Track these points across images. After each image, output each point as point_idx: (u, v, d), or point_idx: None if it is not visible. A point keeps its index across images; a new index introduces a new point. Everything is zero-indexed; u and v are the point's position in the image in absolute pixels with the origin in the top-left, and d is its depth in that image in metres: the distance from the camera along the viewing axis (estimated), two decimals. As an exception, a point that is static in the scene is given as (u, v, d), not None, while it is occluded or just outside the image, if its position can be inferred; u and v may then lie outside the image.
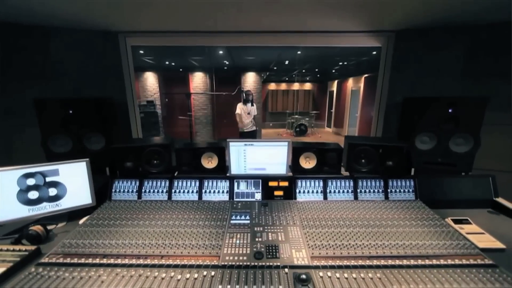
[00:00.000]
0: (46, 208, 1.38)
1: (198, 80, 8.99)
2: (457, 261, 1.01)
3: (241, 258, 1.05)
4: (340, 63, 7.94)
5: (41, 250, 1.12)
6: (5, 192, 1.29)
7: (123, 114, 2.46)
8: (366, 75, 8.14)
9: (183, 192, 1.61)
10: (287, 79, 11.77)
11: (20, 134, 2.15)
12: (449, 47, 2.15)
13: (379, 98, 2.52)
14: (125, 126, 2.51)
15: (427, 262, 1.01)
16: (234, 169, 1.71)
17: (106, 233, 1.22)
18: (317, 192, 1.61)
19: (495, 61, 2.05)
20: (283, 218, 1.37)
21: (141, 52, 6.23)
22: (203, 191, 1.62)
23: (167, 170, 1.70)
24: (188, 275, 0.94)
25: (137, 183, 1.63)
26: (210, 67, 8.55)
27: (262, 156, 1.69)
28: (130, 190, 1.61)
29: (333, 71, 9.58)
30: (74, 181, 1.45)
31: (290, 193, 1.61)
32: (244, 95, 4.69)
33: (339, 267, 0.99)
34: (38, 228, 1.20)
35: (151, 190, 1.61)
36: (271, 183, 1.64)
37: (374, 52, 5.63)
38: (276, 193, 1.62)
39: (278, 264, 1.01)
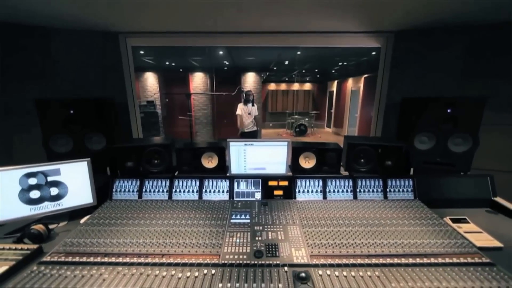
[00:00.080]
0: (47, 207, 1.39)
1: (198, 80, 9.00)
2: (455, 260, 1.02)
3: (241, 256, 1.06)
4: (340, 64, 7.95)
5: (43, 249, 1.13)
6: (7, 192, 1.30)
7: (123, 114, 2.47)
8: (365, 75, 8.14)
9: (184, 191, 1.62)
10: (287, 79, 11.78)
11: (20, 134, 2.16)
12: (448, 47, 2.16)
13: (379, 98, 2.53)
14: (126, 126, 2.52)
15: (425, 260, 1.02)
16: (234, 169, 1.72)
17: (107, 232, 1.23)
18: (316, 191, 1.62)
19: (495, 61, 2.06)
20: (283, 217, 1.38)
21: (141, 52, 6.24)
22: (203, 190, 1.63)
23: (168, 170, 1.71)
24: (188, 274, 0.95)
25: (138, 182, 1.64)
26: (210, 67, 8.57)
27: (262, 156, 1.70)
28: (131, 190, 1.62)
29: (333, 71, 9.59)
30: (75, 180, 1.46)
31: (289, 193, 1.62)
32: (244, 95, 4.69)
33: (338, 265, 1.00)
34: (39, 227, 1.21)
35: (152, 190, 1.62)
36: (271, 183, 1.65)
37: (374, 53, 5.64)
38: (276, 192, 1.63)
39: (278, 262, 1.02)
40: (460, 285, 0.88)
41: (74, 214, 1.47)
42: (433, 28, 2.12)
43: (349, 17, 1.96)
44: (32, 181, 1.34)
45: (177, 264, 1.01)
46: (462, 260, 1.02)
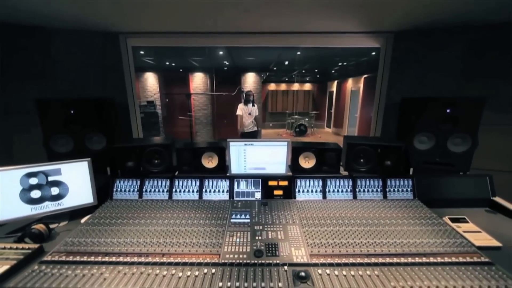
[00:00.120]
0: (48, 207, 1.40)
1: (198, 81, 9.01)
2: (453, 259, 1.02)
3: (241, 256, 1.06)
4: (340, 64, 7.95)
5: (44, 249, 1.14)
6: (8, 191, 1.31)
7: (123, 114, 2.48)
8: (365, 76, 8.15)
9: (184, 191, 1.63)
10: (287, 79, 11.78)
11: (20, 134, 2.16)
12: (448, 47, 2.17)
13: (378, 98, 2.54)
14: (126, 126, 2.52)
15: (424, 259, 1.02)
16: (234, 169, 1.72)
17: (107, 231, 1.24)
18: (316, 191, 1.62)
19: (495, 61, 2.06)
20: (283, 217, 1.39)
21: (142, 52, 6.24)
22: (204, 190, 1.63)
23: (168, 170, 1.72)
24: (189, 273, 0.95)
25: (138, 182, 1.64)
26: (210, 68, 8.57)
27: (262, 155, 1.70)
28: (131, 190, 1.63)
29: (333, 71, 9.59)
30: (76, 180, 1.46)
31: (289, 193, 1.63)
32: (244, 95, 4.68)
33: (338, 264, 1.00)
34: (40, 226, 1.22)
35: (152, 190, 1.63)
36: (271, 183, 1.65)
37: (374, 53, 5.64)
38: (276, 192, 1.63)
39: (278, 262, 1.02)
40: (459, 284, 0.89)
41: (75, 213, 1.48)
42: (433, 28, 2.13)
43: (349, 17, 1.96)
44: (33, 180, 1.35)
45: (177, 264, 1.01)
46: (461, 259, 1.02)
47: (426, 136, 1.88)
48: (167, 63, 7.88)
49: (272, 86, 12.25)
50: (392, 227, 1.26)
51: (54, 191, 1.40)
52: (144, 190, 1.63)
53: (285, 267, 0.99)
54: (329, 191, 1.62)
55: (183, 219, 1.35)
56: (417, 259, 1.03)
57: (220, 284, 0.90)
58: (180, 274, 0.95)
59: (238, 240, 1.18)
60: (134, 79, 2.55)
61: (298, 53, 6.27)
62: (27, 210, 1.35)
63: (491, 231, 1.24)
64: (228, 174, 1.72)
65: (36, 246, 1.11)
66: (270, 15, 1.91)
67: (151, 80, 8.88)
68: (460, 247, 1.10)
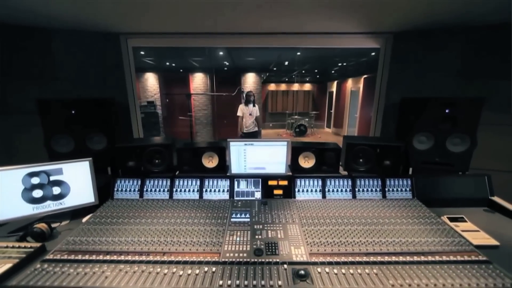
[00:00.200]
0: (50, 206, 1.41)
1: (198, 81, 9.02)
2: (452, 258, 1.03)
3: (241, 254, 1.07)
4: (340, 64, 7.96)
5: (45, 247, 1.15)
6: (10, 191, 1.32)
7: (124, 114, 2.49)
8: (365, 76, 8.16)
9: (184, 191, 1.64)
10: (286, 79, 11.79)
11: (20, 134, 2.17)
12: (448, 47, 2.17)
13: (378, 99, 2.55)
14: (126, 126, 2.53)
15: (423, 258, 1.03)
16: (234, 169, 1.73)
17: (109, 230, 1.25)
18: (315, 191, 1.63)
19: (495, 62, 2.06)
20: (283, 216, 1.40)
21: (142, 53, 6.25)
22: (204, 190, 1.64)
23: (169, 170, 1.73)
24: (189, 271, 0.96)
25: (139, 182, 1.65)
26: (210, 68, 8.58)
27: (262, 155, 1.71)
28: (132, 189, 1.64)
29: (333, 72, 9.60)
30: (78, 180, 1.47)
31: (289, 192, 1.64)
32: (245, 96, 4.69)
33: (337, 263, 1.01)
34: (42, 226, 1.23)
35: (153, 189, 1.64)
36: (271, 182, 1.66)
37: (373, 53, 5.65)
38: (276, 192, 1.64)
39: (278, 260, 1.03)
40: (456, 282, 0.90)
41: (76, 213, 1.49)
42: (433, 28, 2.13)
43: (349, 17, 1.97)
44: (35, 180, 1.36)
45: (178, 262, 1.02)
46: (459, 258, 1.03)
47: (425, 136, 1.89)
48: (168, 63, 7.89)
49: (272, 87, 12.27)
50: (391, 226, 1.27)
51: (56, 190, 1.42)
52: (144, 189, 1.64)
53: (285, 266, 1.00)
54: (328, 190, 1.63)
55: (184, 219, 1.36)
56: (415, 258, 1.04)
57: (221, 282, 0.91)
58: (181, 272, 0.96)
59: (238, 239, 1.19)
60: (134, 80, 2.56)
61: (298, 53, 6.29)
62: (29, 210, 1.36)
63: (489, 230, 1.25)
64: (228, 174, 1.73)
65: (38, 245, 1.12)
66: (270, 16, 1.92)
67: (151, 81, 8.89)
68: (458, 246, 1.11)
